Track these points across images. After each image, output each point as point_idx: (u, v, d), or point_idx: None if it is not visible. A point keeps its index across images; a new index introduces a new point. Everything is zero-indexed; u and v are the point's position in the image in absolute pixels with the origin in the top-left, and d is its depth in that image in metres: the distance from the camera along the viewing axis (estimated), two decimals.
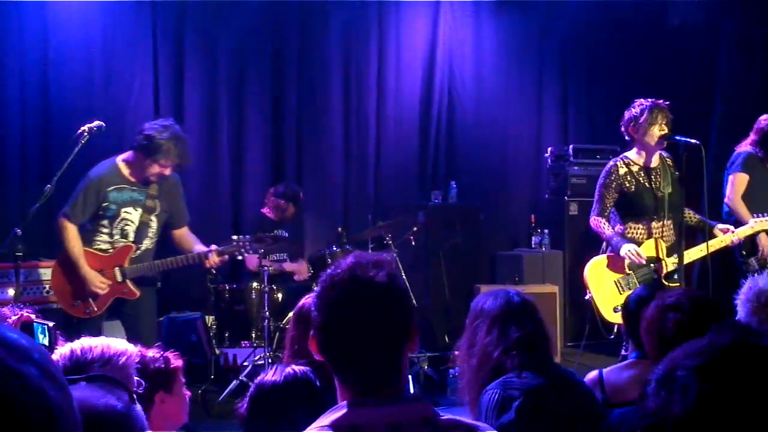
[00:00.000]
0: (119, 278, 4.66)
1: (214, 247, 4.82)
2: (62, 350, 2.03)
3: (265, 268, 5.52)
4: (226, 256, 4.84)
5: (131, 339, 4.50)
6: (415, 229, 6.58)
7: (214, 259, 4.75)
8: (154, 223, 4.80)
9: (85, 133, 4.64)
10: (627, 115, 5.26)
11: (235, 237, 4.97)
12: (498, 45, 8.24)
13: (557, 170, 7.83)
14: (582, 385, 2.75)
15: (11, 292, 5.70)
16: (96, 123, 4.70)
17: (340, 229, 6.24)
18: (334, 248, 5.96)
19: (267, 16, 7.35)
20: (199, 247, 4.87)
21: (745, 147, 5.83)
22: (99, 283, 4.60)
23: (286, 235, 6.51)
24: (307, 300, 2.81)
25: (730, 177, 5.77)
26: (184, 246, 4.89)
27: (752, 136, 5.82)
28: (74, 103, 6.49)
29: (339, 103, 7.62)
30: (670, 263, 4.93)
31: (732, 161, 5.87)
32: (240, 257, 5.01)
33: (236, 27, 7.22)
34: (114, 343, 2.08)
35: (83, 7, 6.66)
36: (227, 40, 7.19)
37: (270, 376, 2.34)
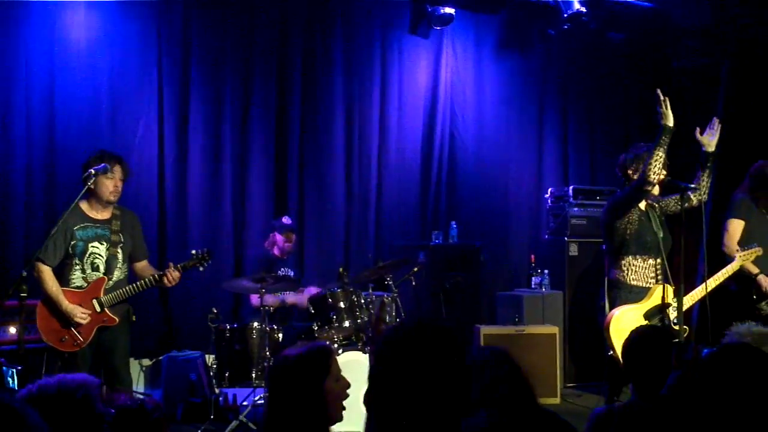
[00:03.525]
0: (98, 309, 4.96)
1: (171, 264, 5.11)
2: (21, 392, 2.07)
3: (269, 307, 5.56)
4: (178, 272, 5.07)
5: (106, 372, 4.87)
6: (415, 269, 6.60)
7: (172, 274, 5.05)
8: (120, 255, 5.10)
9: (92, 176, 4.76)
10: (623, 156, 5.29)
11: (194, 251, 5.25)
12: (499, 86, 8.33)
13: (557, 211, 7.85)
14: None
15: (12, 330, 5.75)
16: (102, 165, 4.81)
17: (341, 269, 6.25)
18: (335, 288, 5.98)
19: (271, 56, 7.42)
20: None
21: (740, 192, 5.88)
22: (80, 314, 4.89)
23: (291, 273, 6.55)
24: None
25: (726, 223, 5.78)
26: (146, 276, 5.16)
27: (746, 181, 5.87)
28: (79, 143, 6.50)
29: (341, 143, 7.67)
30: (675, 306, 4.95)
31: (728, 206, 5.90)
32: (201, 269, 5.25)
33: (240, 67, 7.30)
34: (70, 378, 2.10)
35: (89, 47, 6.75)
36: (231, 81, 7.26)
37: None
